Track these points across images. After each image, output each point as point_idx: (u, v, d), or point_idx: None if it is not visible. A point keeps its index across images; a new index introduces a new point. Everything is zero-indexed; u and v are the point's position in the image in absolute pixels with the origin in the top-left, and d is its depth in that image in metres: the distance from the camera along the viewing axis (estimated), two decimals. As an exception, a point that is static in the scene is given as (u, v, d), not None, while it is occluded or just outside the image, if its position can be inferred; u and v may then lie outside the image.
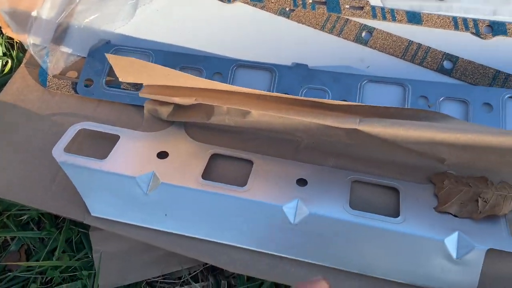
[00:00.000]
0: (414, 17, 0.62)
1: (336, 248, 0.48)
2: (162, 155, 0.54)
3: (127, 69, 0.51)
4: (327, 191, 0.51)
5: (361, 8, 0.64)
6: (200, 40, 0.65)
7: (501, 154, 0.47)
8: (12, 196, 0.55)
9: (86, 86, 0.62)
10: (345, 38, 0.63)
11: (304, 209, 0.49)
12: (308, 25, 0.64)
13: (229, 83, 0.61)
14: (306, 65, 0.61)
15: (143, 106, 0.59)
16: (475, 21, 0.61)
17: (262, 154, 0.55)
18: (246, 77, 0.62)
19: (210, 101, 0.52)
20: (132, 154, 0.54)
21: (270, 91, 0.60)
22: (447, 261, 0.46)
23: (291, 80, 0.60)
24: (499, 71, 0.58)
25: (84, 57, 0.65)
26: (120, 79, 0.52)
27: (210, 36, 0.65)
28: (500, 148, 0.44)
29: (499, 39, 0.61)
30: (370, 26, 0.63)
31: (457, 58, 0.60)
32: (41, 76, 0.64)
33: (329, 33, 0.63)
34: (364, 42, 0.62)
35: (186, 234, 0.51)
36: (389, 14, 0.63)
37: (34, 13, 0.65)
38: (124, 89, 0.61)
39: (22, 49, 0.76)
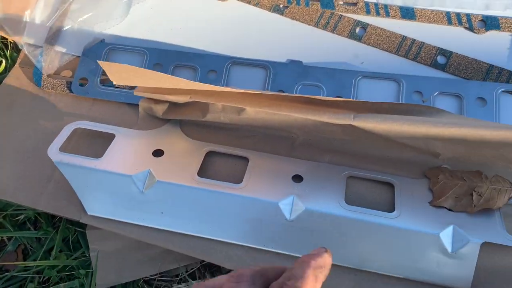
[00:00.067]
0: (407, 13, 0.62)
1: (332, 244, 0.48)
2: (158, 153, 0.54)
3: (120, 74, 0.51)
4: (322, 187, 0.51)
5: (355, 4, 0.64)
6: (194, 38, 0.65)
7: (495, 148, 0.48)
8: (8, 196, 0.55)
9: (81, 85, 0.62)
10: (339, 34, 0.63)
11: (300, 205, 0.49)
12: (302, 22, 0.64)
13: (224, 81, 0.61)
14: (301, 62, 0.61)
15: (138, 105, 0.59)
16: (468, 16, 0.62)
17: (257, 151, 0.55)
18: (241, 75, 0.62)
19: (205, 99, 0.52)
20: (127, 153, 0.54)
21: (265, 88, 0.60)
22: (442, 255, 0.46)
23: (286, 76, 0.60)
24: (493, 65, 0.59)
25: (79, 56, 0.65)
26: (114, 83, 0.52)
27: (205, 33, 0.65)
28: (494, 142, 0.44)
29: (492, 33, 0.61)
30: (364, 22, 0.63)
31: (450, 53, 0.60)
32: (36, 76, 0.64)
33: (323, 29, 0.64)
34: (358, 38, 0.62)
35: (183, 232, 0.51)
36: (383, 10, 0.63)
37: (27, 13, 0.65)
38: (119, 87, 0.61)
39: (16, 49, 0.76)
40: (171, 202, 0.51)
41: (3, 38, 0.75)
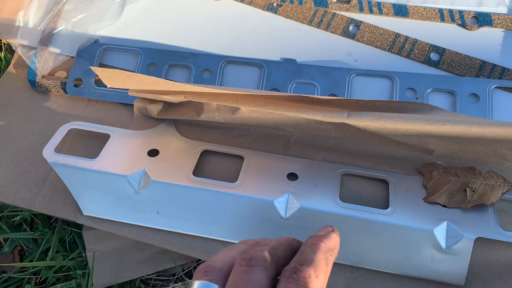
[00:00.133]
0: (400, 10, 0.63)
1: (328, 241, 0.48)
2: (153, 153, 0.54)
3: (113, 79, 0.51)
4: (317, 185, 0.51)
5: (348, 2, 0.64)
6: (188, 37, 0.65)
7: (488, 144, 0.48)
8: (3, 198, 0.55)
9: (75, 86, 0.62)
10: (332, 32, 0.63)
11: (295, 203, 0.50)
12: (296, 20, 0.65)
13: (218, 80, 0.61)
14: (295, 60, 0.61)
15: (133, 105, 0.59)
16: (461, 12, 0.62)
17: (252, 149, 0.55)
18: (235, 73, 0.62)
19: (199, 99, 0.52)
20: (122, 153, 0.54)
21: (259, 87, 0.61)
22: (437, 251, 0.46)
23: (280, 75, 0.61)
24: (485, 61, 0.59)
25: (73, 57, 0.65)
26: (108, 86, 0.52)
27: (199, 33, 0.65)
28: (487, 138, 0.45)
29: (485, 30, 0.61)
30: (357, 20, 0.63)
31: (443, 49, 0.60)
32: (30, 77, 0.64)
33: (316, 27, 0.64)
34: (352, 36, 0.63)
35: (179, 231, 0.51)
36: (376, 8, 0.63)
37: (21, 14, 0.65)
38: (113, 88, 0.61)
39: (10, 50, 0.76)
40: (167, 202, 0.51)
41: (-3, 39, 0.76)
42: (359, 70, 0.60)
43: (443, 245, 0.46)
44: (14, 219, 0.64)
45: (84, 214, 0.53)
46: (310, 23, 0.64)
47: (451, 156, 0.52)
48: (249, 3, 0.66)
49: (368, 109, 0.50)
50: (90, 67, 0.50)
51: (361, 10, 0.63)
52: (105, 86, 0.61)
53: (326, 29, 0.63)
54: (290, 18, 0.65)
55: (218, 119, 0.54)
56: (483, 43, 0.61)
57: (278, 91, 0.60)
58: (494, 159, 0.51)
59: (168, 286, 0.58)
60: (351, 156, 0.54)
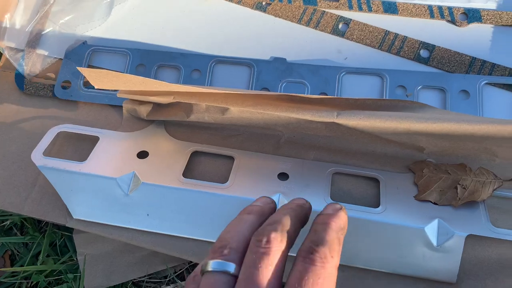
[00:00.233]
0: (390, 7, 0.63)
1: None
2: (142, 154, 0.54)
3: (101, 79, 0.50)
4: (308, 185, 0.51)
5: (337, -1, 0.64)
6: (177, 38, 0.64)
7: (478, 141, 0.48)
8: (-8, 203, 0.55)
9: (64, 88, 0.62)
10: (322, 31, 0.63)
11: (286, 203, 0.49)
12: (285, 19, 0.64)
13: (208, 80, 0.61)
14: (285, 59, 0.61)
15: (122, 106, 0.58)
16: (450, 9, 0.62)
17: (243, 150, 0.55)
18: (225, 73, 0.62)
19: (188, 99, 0.52)
20: (112, 155, 0.54)
21: (249, 86, 0.60)
22: (428, 249, 0.46)
23: (270, 74, 0.60)
24: (475, 58, 0.59)
25: (61, 59, 0.64)
26: (96, 87, 0.52)
27: (187, 33, 0.65)
28: (477, 135, 0.45)
29: (474, 26, 0.61)
30: (346, 18, 0.63)
31: (433, 46, 0.60)
32: (18, 80, 0.63)
33: (306, 26, 0.63)
34: (341, 34, 0.62)
35: (169, 233, 0.51)
36: (365, 5, 0.63)
37: (7, 16, 0.65)
38: (102, 90, 0.61)
39: (-3, 52, 0.75)
40: (157, 204, 0.51)
41: (-16, 42, 0.75)
42: (349, 68, 0.60)
43: (435, 243, 0.46)
44: (4, 223, 0.64)
45: (74, 217, 0.52)
46: (299, 21, 0.64)
47: (442, 154, 0.52)
48: (238, 2, 0.66)
49: (358, 108, 0.50)
50: (77, 68, 0.50)
51: (350, 7, 0.63)
52: (94, 88, 0.61)
53: (315, 27, 0.63)
54: (279, 17, 0.64)
55: (208, 119, 0.53)
56: (472, 39, 0.61)
57: (268, 90, 0.59)
58: (485, 156, 0.51)
59: (160, 288, 0.58)
60: (341, 154, 0.54)
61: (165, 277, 0.59)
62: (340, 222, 0.32)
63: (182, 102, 0.53)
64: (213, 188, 0.51)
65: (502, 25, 0.61)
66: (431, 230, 0.47)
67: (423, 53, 0.60)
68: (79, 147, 0.57)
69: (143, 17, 0.67)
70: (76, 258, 0.58)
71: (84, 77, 0.62)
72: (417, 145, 0.51)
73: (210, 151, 0.55)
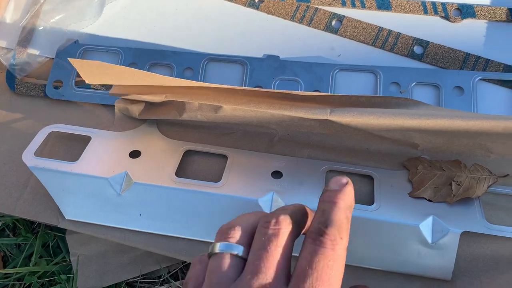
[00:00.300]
0: (383, 4, 0.62)
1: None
2: (135, 154, 0.53)
3: (93, 72, 0.50)
4: (302, 183, 0.51)
5: (330, -4, 0.63)
6: (169, 36, 0.64)
7: (473, 137, 0.48)
8: (-16, 204, 0.54)
9: (55, 88, 0.61)
10: (315, 28, 0.63)
11: (280, 201, 0.49)
12: (278, 16, 0.64)
13: (200, 78, 0.60)
14: (278, 57, 0.61)
15: (114, 106, 0.58)
16: (443, 4, 0.61)
17: (236, 148, 0.55)
18: (218, 71, 0.61)
19: (180, 98, 0.52)
20: (104, 155, 0.53)
21: (242, 84, 0.60)
22: (423, 246, 0.46)
23: (263, 72, 0.60)
24: (469, 53, 0.58)
25: (52, 58, 0.63)
26: (86, 82, 0.51)
27: (180, 31, 0.64)
28: (471, 131, 0.44)
29: (468, 21, 0.61)
30: (340, 15, 0.62)
31: (427, 42, 0.60)
32: (9, 80, 0.62)
33: (299, 23, 0.63)
34: (335, 31, 0.62)
35: (162, 233, 0.50)
36: (358, 2, 0.62)
37: (-3, 16, 0.64)
38: (94, 89, 0.60)
39: (-12, 52, 0.74)
40: (149, 204, 0.50)
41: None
42: (342, 65, 0.59)
43: (429, 240, 0.46)
44: (-4, 224, 0.63)
45: (66, 218, 0.52)
46: (292, 18, 0.63)
47: (436, 150, 0.51)
48: (231, 0, 0.65)
49: (352, 105, 0.50)
50: (69, 59, 0.49)
51: (343, 4, 0.63)
52: (86, 88, 0.60)
53: (308, 24, 0.63)
54: (272, 14, 0.64)
55: (201, 118, 0.53)
56: (466, 35, 0.60)
57: (262, 88, 0.59)
58: (480, 152, 0.51)
59: (154, 288, 0.58)
60: (335, 152, 0.54)
61: (159, 277, 0.58)
62: (347, 199, 0.32)
63: (174, 101, 0.52)
64: (206, 187, 0.50)
65: (496, 20, 0.60)
66: (426, 227, 0.46)
67: (417, 49, 0.60)
68: (71, 147, 0.56)
69: (135, 15, 0.66)
70: (69, 259, 0.58)
71: (76, 76, 0.61)
72: (411, 142, 0.50)
73: (203, 150, 0.55)
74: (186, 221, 0.50)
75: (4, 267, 0.62)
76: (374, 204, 0.48)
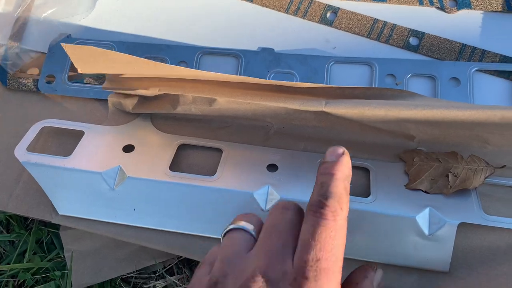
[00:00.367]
0: (378, -5, 0.62)
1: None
2: (128, 148, 0.53)
3: (86, 59, 0.49)
4: (297, 175, 0.50)
5: (325, -12, 0.63)
6: (163, 29, 0.63)
7: (469, 128, 0.47)
8: (-24, 200, 0.53)
9: (48, 82, 0.60)
10: (310, 20, 0.62)
11: (275, 194, 0.48)
12: (272, 8, 0.63)
13: (194, 72, 0.60)
14: (273, 49, 0.60)
15: (107, 100, 0.57)
16: (439, -5, 0.61)
17: (232, 141, 0.54)
18: (212, 64, 0.61)
19: (174, 91, 0.51)
20: (97, 149, 0.52)
21: (237, 77, 0.59)
22: (420, 238, 0.46)
23: (258, 65, 0.59)
24: (465, 44, 0.58)
25: (45, 53, 0.63)
26: (79, 71, 0.50)
27: (173, 24, 0.64)
28: (467, 122, 0.44)
29: (464, 12, 0.60)
30: (334, 6, 0.62)
31: (423, 34, 0.59)
32: (0, 75, 0.62)
33: (293, 15, 0.62)
34: (329, 23, 0.61)
35: (157, 228, 0.50)
36: (353, -7, 0.62)
37: (-12, 10, 0.63)
38: (87, 83, 0.60)
39: (-20, 48, 0.73)
40: (143, 198, 0.50)
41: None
42: (337, 57, 0.59)
43: (426, 231, 0.46)
44: (-11, 221, 0.63)
45: (60, 213, 0.51)
46: (287, 11, 0.63)
47: (433, 141, 0.51)
48: (225, -8, 0.65)
49: (347, 97, 0.49)
50: (62, 44, 0.48)
51: (338, -4, 0.62)
52: (79, 82, 0.60)
53: (303, 16, 0.62)
54: (267, 7, 0.63)
55: (195, 111, 0.52)
56: (462, 25, 0.60)
57: (256, 81, 0.58)
58: (476, 143, 0.50)
59: (150, 283, 0.57)
60: (331, 145, 0.53)
61: (154, 272, 0.58)
62: (345, 169, 0.32)
63: (168, 94, 0.52)
64: (201, 181, 0.50)
65: (492, 11, 0.60)
66: (423, 219, 0.46)
67: (413, 40, 0.59)
68: (64, 142, 0.55)
69: (128, 9, 0.65)
70: (63, 255, 0.57)
71: (69, 71, 0.60)
72: (407, 134, 0.50)
73: (198, 143, 0.54)
74: (180, 215, 0.49)
75: (-2, 264, 0.61)
76: (371, 196, 0.48)
